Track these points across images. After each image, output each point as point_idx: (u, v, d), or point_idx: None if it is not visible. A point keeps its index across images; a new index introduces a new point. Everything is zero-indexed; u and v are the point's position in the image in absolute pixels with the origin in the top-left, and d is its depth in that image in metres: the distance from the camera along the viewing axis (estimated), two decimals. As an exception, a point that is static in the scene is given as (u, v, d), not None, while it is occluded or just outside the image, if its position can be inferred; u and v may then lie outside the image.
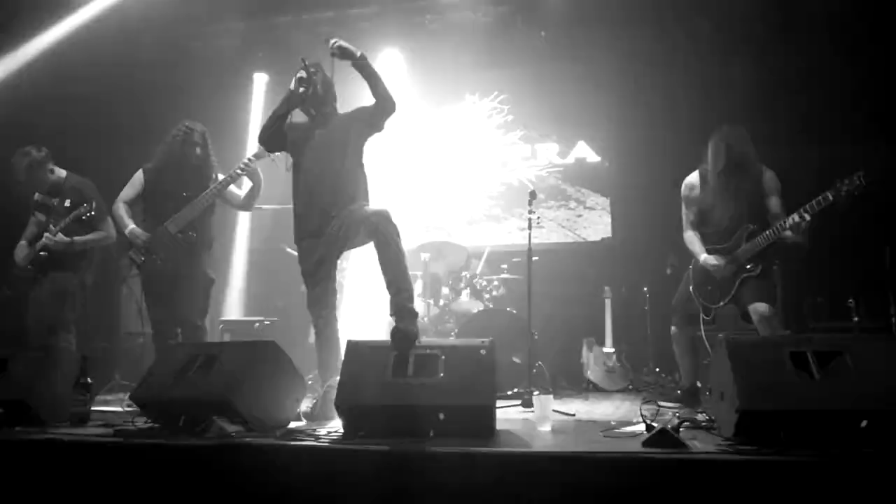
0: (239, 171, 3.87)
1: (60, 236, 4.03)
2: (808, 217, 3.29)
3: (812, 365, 2.41)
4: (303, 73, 3.41)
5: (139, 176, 4.05)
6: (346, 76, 3.56)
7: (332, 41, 3.29)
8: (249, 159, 3.85)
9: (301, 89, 3.41)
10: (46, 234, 4.04)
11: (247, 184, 4.15)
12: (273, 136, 3.50)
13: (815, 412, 2.27)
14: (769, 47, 5.65)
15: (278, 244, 5.60)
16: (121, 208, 3.98)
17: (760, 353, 2.46)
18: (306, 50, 6.31)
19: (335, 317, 3.44)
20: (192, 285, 3.92)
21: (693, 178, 3.85)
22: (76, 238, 4.10)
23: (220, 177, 3.99)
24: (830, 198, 3.21)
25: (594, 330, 5.40)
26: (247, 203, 4.09)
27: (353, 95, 3.71)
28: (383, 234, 3.11)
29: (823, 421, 2.26)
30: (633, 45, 6.18)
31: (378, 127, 3.52)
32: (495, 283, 5.09)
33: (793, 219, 3.33)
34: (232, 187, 4.03)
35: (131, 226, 3.91)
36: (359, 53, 3.33)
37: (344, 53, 3.31)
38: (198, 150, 3.96)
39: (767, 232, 3.50)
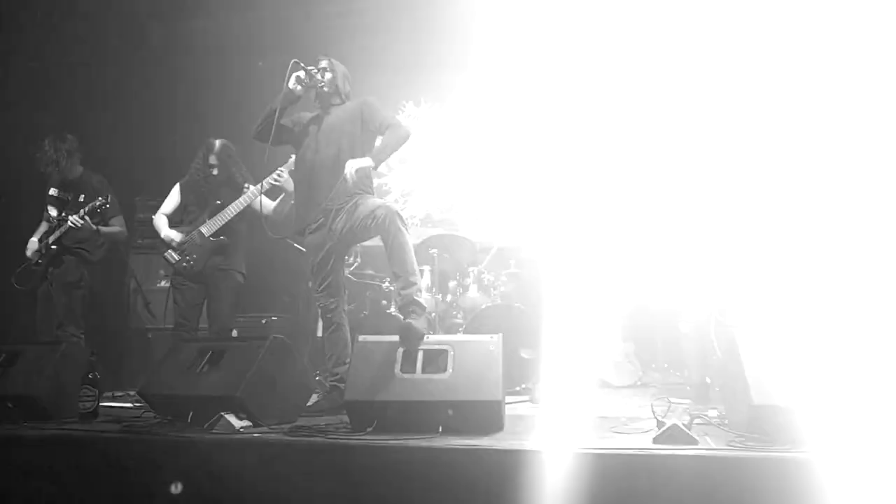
0: (272, 182, 3.89)
1: (87, 220, 4.06)
2: None
3: (826, 360, 2.38)
4: (301, 73, 3.40)
5: (176, 190, 4.21)
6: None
7: (349, 173, 3.18)
8: (280, 171, 3.86)
9: (298, 88, 3.41)
10: (72, 217, 4.04)
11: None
12: (265, 131, 3.46)
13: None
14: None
15: (284, 239, 5.59)
16: (160, 218, 4.15)
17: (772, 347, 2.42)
18: (315, 43, 6.34)
19: (344, 310, 3.43)
20: (222, 288, 4.00)
21: None
22: (102, 228, 4.15)
23: (252, 186, 4.02)
24: None
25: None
26: (278, 213, 4.04)
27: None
28: (391, 229, 3.09)
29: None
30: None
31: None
32: (503, 278, 5.06)
33: None
34: (263, 198, 4.00)
35: (165, 230, 4.06)
36: (374, 165, 3.25)
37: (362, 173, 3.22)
38: (213, 172, 4.04)
39: None
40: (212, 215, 4.01)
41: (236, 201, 3.98)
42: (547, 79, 6.60)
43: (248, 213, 4.09)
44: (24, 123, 5.27)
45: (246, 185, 4.06)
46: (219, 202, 4.02)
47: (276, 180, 3.85)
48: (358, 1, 6.25)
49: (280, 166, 3.89)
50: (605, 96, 5.74)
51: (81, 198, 4.19)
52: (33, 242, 4.25)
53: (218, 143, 4.09)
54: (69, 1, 5.68)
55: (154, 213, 5.62)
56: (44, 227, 4.32)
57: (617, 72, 5.76)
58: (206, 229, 3.99)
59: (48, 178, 4.24)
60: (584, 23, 5.87)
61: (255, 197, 3.94)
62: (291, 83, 3.40)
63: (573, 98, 6.03)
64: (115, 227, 4.28)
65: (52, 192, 4.29)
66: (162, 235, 4.05)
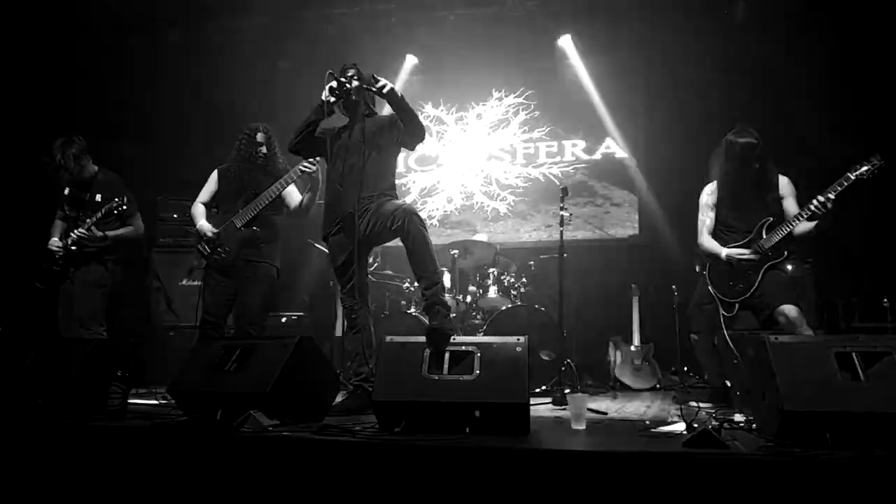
0: (301, 170, 3.87)
1: (94, 230, 4.08)
2: (832, 197, 3.33)
3: (858, 366, 2.36)
4: (334, 83, 3.42)
5: (214, 176, 4.18)
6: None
7: (381, 84, 3.31)
8: (313, 160, 3.83)
9: (332, 99, 3.43)
10: (79, 230, 4.09)
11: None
12: (302, 145, 3.54)
13: (861, 414, 2.23)
14: (801, 40, 5.55)
15: (305, 239, 5.62)
16: (197, 207, 4.14)
17: (804, 353, 2.41)
18: (331, 46, 6.37)
19: (368, 309, 3.46)
20: (252, 280, 3.96)
21: (713, 185, 3.89)
22: (109, 232, 4.15)
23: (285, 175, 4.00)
24: (852, 177, 3.24)
25: (621, 328, 5.36)
26: (305, 207, 4.04)
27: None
28: (409, 230, 3.11)
29: (870, 423, 2.21)
30: (661, 37, 6.11)
31: (408, 148, 3.60)
32: (523, 279, 5.07)
33: (817, 200, 3.36)
34: (292, 190, 4.04)
35: (201, 221, 4.05)
36: (400, 95, 3.36)
37: (390, 95, 3.32)
38: (263, 150, 4.05)
39: (786, 222, 3.56)
40: (245, 205, 3.97)
41: (268, 190, 3.95)
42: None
43: (283, 206, 4.10)
44: (47, 123, 5.33)
45: (283, 172, 4.02)
46: (255, 192, 3.98)
47: (305, 168, 3.83)
48: (377, 3, 6.28)
49: (306, 161, 3.85)
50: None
51: (98, 197, 4.20)
52: (54, 240, 4.27)
53: (262, 125, 4.12)
54: (94, 5, 5.74)
55: (176, 212, 5.70)
56: (60, 225, 4.33)
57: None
58: (239, 220, 3.95)
59: (59, 180, 4.26)
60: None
61: (287, 185, 3.95)
62: (325, 95, 3.42)
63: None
64: (129, 227, 4.26)
65: (67, 191, 4.30)
66: (197, 227, 4.04)
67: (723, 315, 3.71)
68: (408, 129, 3.43)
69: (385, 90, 3.31)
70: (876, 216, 4.98)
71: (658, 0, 5.81)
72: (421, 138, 3.48)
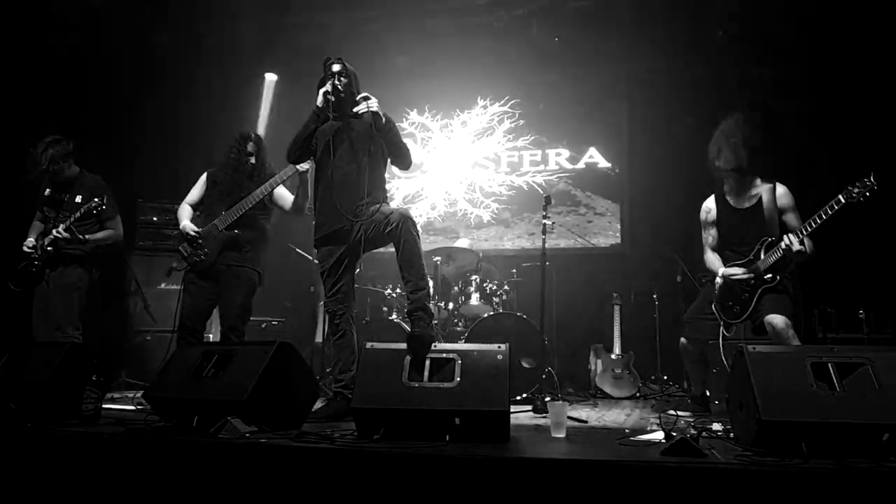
0: (290, 172, 3.84)
1: (74, 231, 4.03)
2: (819, 222, 3.30)
3: (833, 376, 2.39)
4: (328, 87, 3.42)
5: (202, 179, 4.15)
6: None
7: (366, 105, 3.31)
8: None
9: (327, 106, 3.42)
10: (56, 230, 4.03)
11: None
12: (301, 152, 3.53)
13: (836, 424, 2.25)
14: (783, 51, 5.64)
15: (286, 243, 5.59)
16: (183, 208, 4.10)
17: (781, 364, 2.43)
18: (317, 52, 6.34)
19: (352, 316, 3.44)
20: (233, 285, 3.89)
21: (710, 202, 3.88)
22: (88, 236, 4.11)
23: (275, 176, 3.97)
24: (843, 200, 3.21)
25: (602, 336, 5.38)
26: (300, 206, 4.00)
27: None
28: (404, 234, 3.12)
29: (844, 433, 2.24)
30: (645, 50, 6.18)
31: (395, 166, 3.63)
32: (505, 287, 5.08)
33: (808, 225, 3.34)
34: (282, 190, 4.01)
35: (185, 221, 4.00)
36: (384, 120, 3.36)
37: (373, 116, 3.33)
38: (252, 160, 4.02)
39: (781, 245, 3.46)
40: (229, 208, 3.92)
41: (255, 192, 3.90)
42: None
43: (274, 210, 4.07)
44: (31, 124, 5.26)
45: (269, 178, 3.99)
46: (240, 195, 3.93)
47: (292, 172, 3.81)
48: (365, 9, 6.28)
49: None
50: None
51: (78, 198, 4.16)
52: (29, 241, 4.21)
53: (254, 133, 4.11)
54: (80, 7, 5.67)
55: (155, 215, 5.65)
56: (38, 226, 4.27)
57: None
58: (221, 222, 3.91)
59: (41, 180, 4.20)
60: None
61: (274, 187, 3.91)
62: (320, 101, 3.41)
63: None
64: (108, 230, 4.21)
65: (47, 192, 4.25)
66: (180, 227, 3.98)
67: (723, 333, 3.69)
68: (393, 161, 3.49)
69: (366, 109, 3.30)
70: (853, 226, 5.06)
71: (646, 13, 5.87)
72: (404, 168, 3.54)
